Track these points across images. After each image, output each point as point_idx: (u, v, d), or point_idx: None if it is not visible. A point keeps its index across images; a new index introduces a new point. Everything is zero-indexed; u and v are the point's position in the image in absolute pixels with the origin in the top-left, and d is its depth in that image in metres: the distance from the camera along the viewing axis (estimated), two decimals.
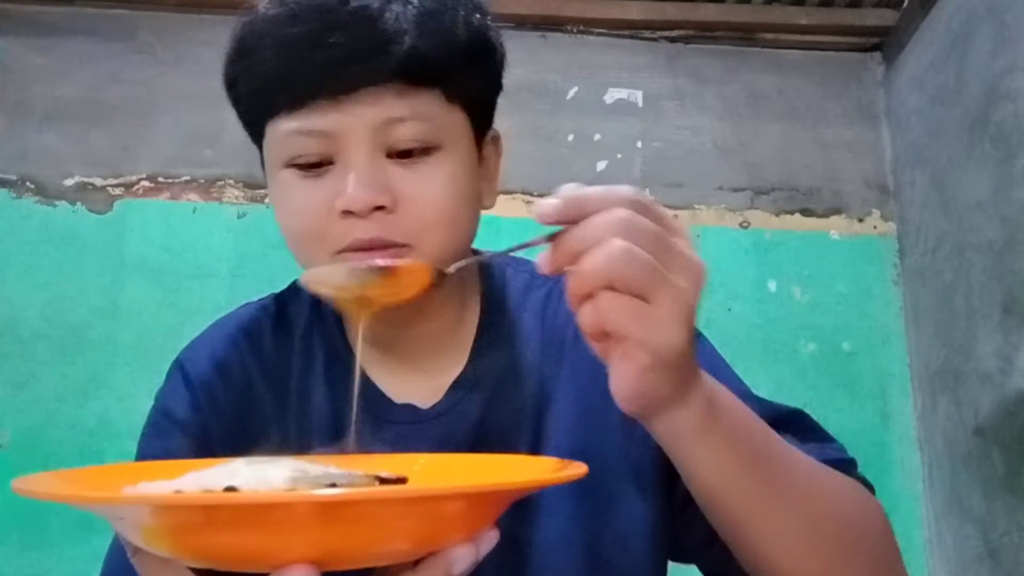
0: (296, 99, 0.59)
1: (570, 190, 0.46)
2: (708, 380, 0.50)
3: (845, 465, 0.62)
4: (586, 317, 0.45)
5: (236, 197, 1.83)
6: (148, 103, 1.86)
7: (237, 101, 0.66)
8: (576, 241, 0.44)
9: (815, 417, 0.67)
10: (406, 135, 0.59)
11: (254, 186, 1.83)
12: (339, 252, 0.60)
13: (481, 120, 0.66)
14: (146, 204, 1.81)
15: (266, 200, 1.83)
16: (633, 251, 0.43)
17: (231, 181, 1.83)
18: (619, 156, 1.90)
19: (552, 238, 0.45)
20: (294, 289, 0.76)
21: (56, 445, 1.65)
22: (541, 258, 0.46)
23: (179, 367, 0.72)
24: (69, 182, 1.81)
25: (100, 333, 1.72)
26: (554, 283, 0.73)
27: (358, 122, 0.58)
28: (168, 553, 0.40)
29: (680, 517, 0.64)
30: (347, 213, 0.58)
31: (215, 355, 0.71)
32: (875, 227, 1.89)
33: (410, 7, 0.58)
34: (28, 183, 1.80)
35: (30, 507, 1.62)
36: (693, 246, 0.46)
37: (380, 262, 0.52)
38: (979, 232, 1.52)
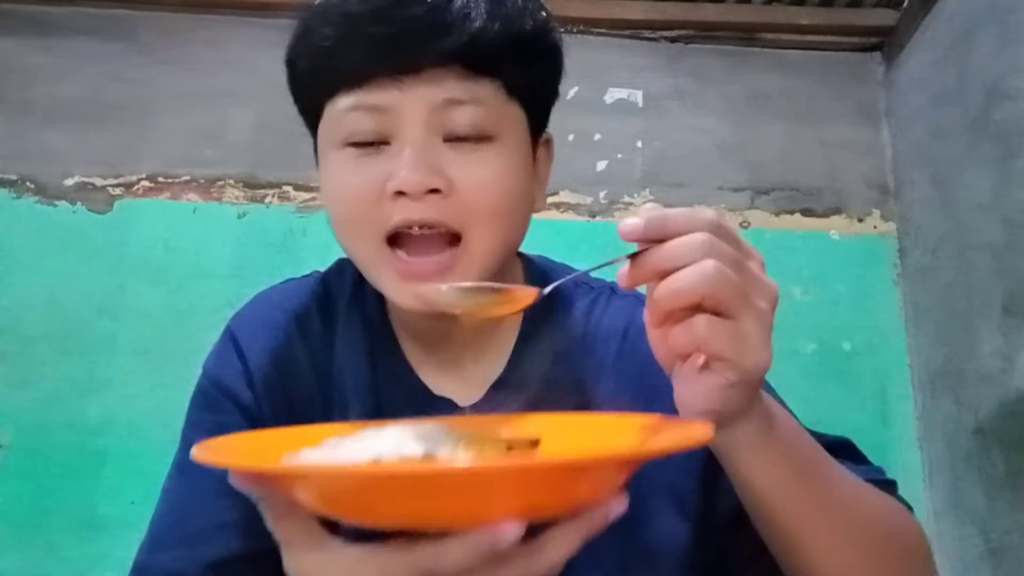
0: (356, 75, 0.59)
1: (652, 210, 0.47)
2: (765, 396, 0.52)
3: (887, 486, 0.64)
4: (677, 337, 0.46)
5: (236, 197, 1.83)
6: (149, 103, 1.86)
7: (295, 81, 0.65)
8: (663, 260, 0.46)
9: (816, 416, 0.68)
10: (464, 119, 0.59)
11: (254, 186, 1.83)
12: (385, 234, 0.59)
13: (537, 121, 0.66)
14: (146, 204, 1.81)
15: (266, 200, 1.83)
16: (724, 272, 0.45)
17: (231, 181, 1.83)
18: (619, 156, 1.90)
19: (633, 256, 0.47)
20: (337, 269, 0.75)
21: (57, 445, 1.65)
22: (621, 273, 0.47)
23: (231, 338, 0.71)
24: (69, 182, 1.81)
25: (101, 333, 1.72)
26: (599, 291, 0.73)
27: (417, 101, 0.58)
28: (348, 518, 0.42)
29: (723, 537, 0.64)
30: (400, 194, 0.58)
31: (267, 330, 0.70)
32: (875, 227, 1.89)
33: None
34: (28, 183, 1.80)
35: (31, 507, 1.62)
36: (764, 269, 0.49)
37: (495, 285, 0.53)
38: (980, 232, 1.52)
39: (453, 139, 0.59)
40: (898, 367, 1.80)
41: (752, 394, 0.49)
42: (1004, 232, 1.44)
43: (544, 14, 0.64)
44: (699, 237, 0.45)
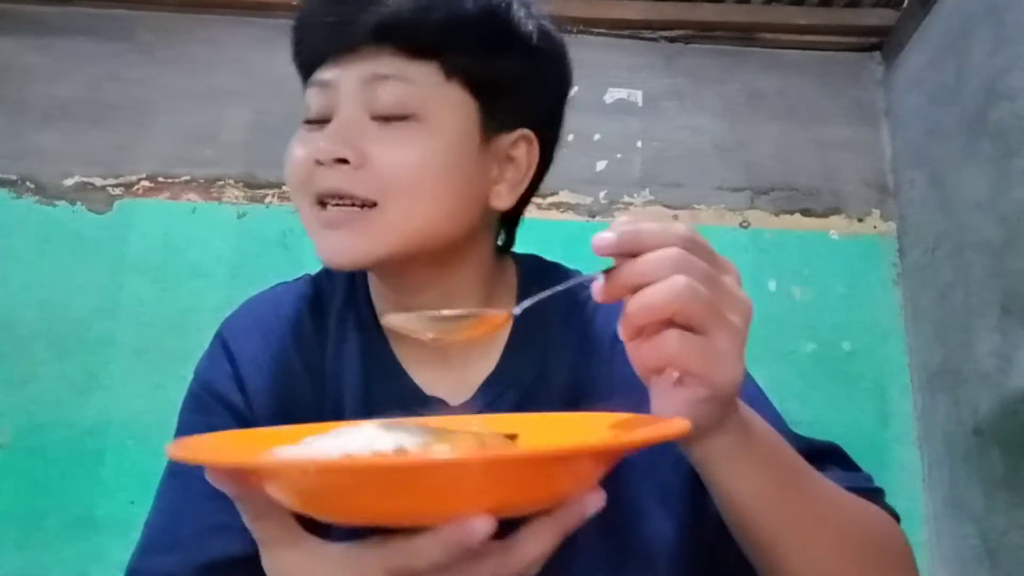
0: (311, 58, 0.64)
1: (626, 224, 0.47)
2: (744, 407, 0.52)
3: (872, 494, 0.63)
4: (648, 353, 0.47)
5: (236, 197, 1.83)
6: (147, 102, 1.86)
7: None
8: (634, 275, 0.46)
9: (815, 416, 0.68)
10: (388, 96, 0.61)
11: (254, 186, 1.83)
12: (315, 199, 0.62)
13: (502, 111, 0.65)
14: (146, 204, 1.81)
15: (266, 200, 1.83)
16: (695, 287, 0.44)
17: (231, 181, 1.83)
18: (619, 156, 1.90)
19: (608, 272, 0.47)
20: (327, 272, 0.76)
21: (56, 444, 1.65)
22: (595, 288, 0.48)
23: (221, 343, 0.71)
24: (69, 182, 1.81)
25: (99, 332, 1.72)
26: (590, 291, 0.73)
27: (349, 75, 0.61)
28: (320, 514, 0.42)
29: (716, 538, 0.64)
30: (318, 163, 0.61)
31: (258, 332, 0.71)
32: (875, 227, 1.89)
33: None
34: (28, 183, 1.80)
35: (29, 506, 1.62)
36: (740, 284, 0.48)
37: (461, 311, 0.54)
38: (978, 231, 1.52)
39: (380, 117, 0.61)
40: (897, 367, 1.80)
41: (726, 407, 0.49)
42: (1002, 231, 1.44)
43: (504, 3, 0.63)
44: (671, 252, 0.45)
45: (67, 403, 1.68)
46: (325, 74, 0.62)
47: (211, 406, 0.69)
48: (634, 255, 0.46)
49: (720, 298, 0.46)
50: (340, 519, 0.42)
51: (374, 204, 0.60)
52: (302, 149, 0.63)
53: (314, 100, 0.63)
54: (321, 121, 0.63)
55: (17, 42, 1.86)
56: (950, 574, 1.61)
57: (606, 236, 0.46)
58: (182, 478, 0.66)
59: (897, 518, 0.64)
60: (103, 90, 1.86)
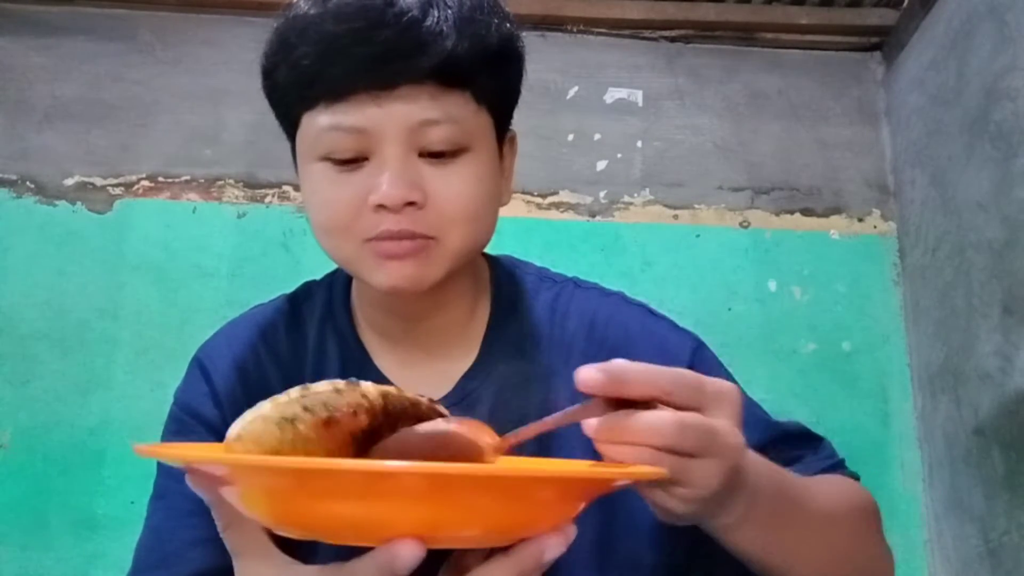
0: (336, 92, 0.60)
1: (615, 365, 0.46)
2: (750, 468, 0.51)
3: (837, 467, 0.68)
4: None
5: (236, 197, 1.83)
6: (148, 103, 1.86)
7: (273, 91, 0.67)
8: (621, 435, 0.46)
9: (816, 417, 0.70)
10: (438, 137, 0.61)
11: (254, 186, 1.83)
12: (367, 241, 0.62)
13: (503, 122, 0.68)
14: (146, 204, 1.81)
15: (266, 200, 1.83)
16: (680, 467, 0.45)
17: (231, 181, 1.83)
18: (619, 156, 1.90)
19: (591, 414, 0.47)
20: (306, 288, 0.78)
21: (56, 445, 1.65)
22: (586, 427, 0.47)
23: (198, 364, 0.73)
24: (69, 182, 1.81)
25: (100, 333, 1.72)
26: (562, 284, 0.76)
27: (394, 121, 0.60)
28: (274, 521, 0.41)
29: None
30: (380, 207, 0.61)
31: (232, 352, 0.72)
32: (875, 227, 1.89)
33: (450, 12, 0.61)
34: (28, 183, 1.80)
35: (30, 506, 1.62)
36: (735, 407, 0.48)
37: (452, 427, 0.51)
38: (979, 231, 1.52)
39: (428, 154, 0.62)
40: (898, 367, 1.80)
41: (721, 501, 0.49)
42: (1004, 232, 1.44)
43: (508, 25, 0.66)
44: (664, 427, 0.45)
45: (68, 403, 1.68)
46: (356, 118, 0.60)
47: (189, 425, 0.70)
48: (619, 397, 0.46)
49: (705, 451, 0.46)
50: (289, 529, 0.41)
51: (433, 238, 0.62)
52: (344, 192, 0.62)
53: (341, 143, 0.61)
54: (355, 160, 0.62)
55: (18, 42, 1.86)
56: (950, 574, 1.61)
57: (590, 374, 0.46)
58: (166, 498, 0.68)
59: (858, 478, 0.69)
60: (104, 90, 1.86)
